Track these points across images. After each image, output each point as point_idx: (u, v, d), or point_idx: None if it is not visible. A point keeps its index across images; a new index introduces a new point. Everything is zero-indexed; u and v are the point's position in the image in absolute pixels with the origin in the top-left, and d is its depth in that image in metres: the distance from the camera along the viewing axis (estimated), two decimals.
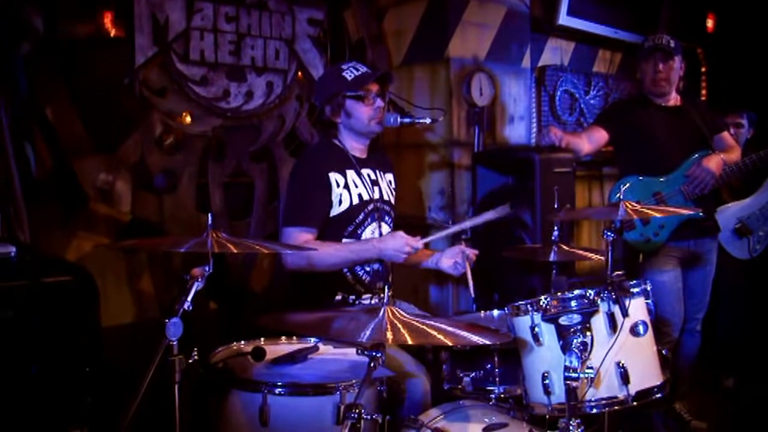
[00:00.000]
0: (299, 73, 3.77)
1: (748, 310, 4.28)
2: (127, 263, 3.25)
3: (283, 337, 2.37)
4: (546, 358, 2.10)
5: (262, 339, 2.33)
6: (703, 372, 3.98)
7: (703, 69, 6.04)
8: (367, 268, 2.73)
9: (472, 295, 2.70)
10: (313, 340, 2.33)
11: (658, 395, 2.14)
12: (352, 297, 2.71)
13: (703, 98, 5.93)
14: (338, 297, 2.69)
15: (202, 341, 1.97)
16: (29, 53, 2.88)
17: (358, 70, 2.72)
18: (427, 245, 2.68)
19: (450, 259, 2.77)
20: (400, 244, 2.55)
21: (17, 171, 2.76)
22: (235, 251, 1.91)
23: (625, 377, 2.05)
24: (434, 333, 1.74)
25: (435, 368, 2.50)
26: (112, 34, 3.13)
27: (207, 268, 1.81)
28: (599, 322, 2.07)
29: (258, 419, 1.92)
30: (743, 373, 4.21)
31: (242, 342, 2.29)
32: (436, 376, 2.46)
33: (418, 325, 1.76)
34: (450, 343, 1.75)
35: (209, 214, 1.94)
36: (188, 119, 3.35)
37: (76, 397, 2.13)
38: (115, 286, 3.19)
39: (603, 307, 2.07)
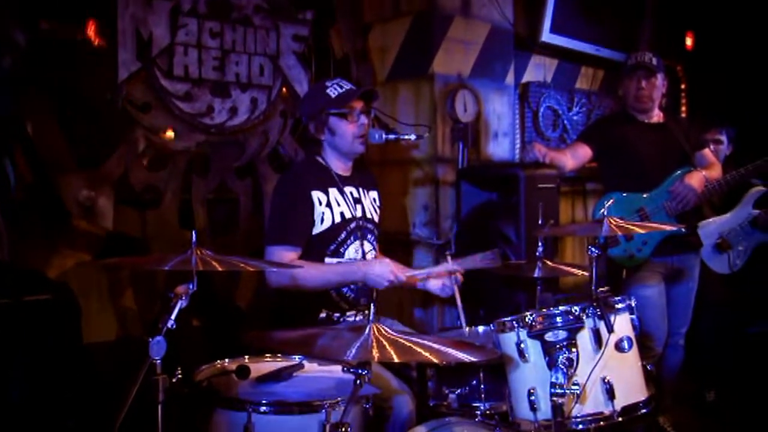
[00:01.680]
0: (284, 89, 3.76)
1: (729, 325, 4.31)
2: (109, 280, 3.22)
3: (268, 355, 2.34)
4: (532, 375, 2.10)
5: (247, 357, 2.30)
6: (685, 386, 3.99)
7: (683, 86, 6.12)
8: (352, 285, 2.71)
9: (462, 321, 2.70)
10: (298, 357, 2.31)
11: (644, 410, 2.14)
12: (337, 314, 2.70)
13: (683, 115, 6.00)
14: (323, 314, 2.67)
15: (186, 359, 1.95)
16: (10, 67, 2.85)
17: (342, 87, 2.72)
18: (411, 280, 2.67)
19: (438, 281, 2.77)
20: (384, 271, 2.54)
21: None
22: (220, 269, 1.89)
23: (610, 393, 2.05)
24: (421, 350, 1.73)
25: (420, 385, 2.49)
26: (95, 49, 3.11)
27: (191, 286, 1.80)
28: (585, 338, 2.07)
29: None
30: (724, 387, 4.23)
31: (226, 360, 2.26)
32: (421, 393, 2.45)
33: (405, 342, 1.75)
34: (437, 361, 1.74)
35: (193, 231, 1.92)
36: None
37: (58, 420, 2.10)
38: (97, 303, 3.15)
39: (588, 323, 2.08)
